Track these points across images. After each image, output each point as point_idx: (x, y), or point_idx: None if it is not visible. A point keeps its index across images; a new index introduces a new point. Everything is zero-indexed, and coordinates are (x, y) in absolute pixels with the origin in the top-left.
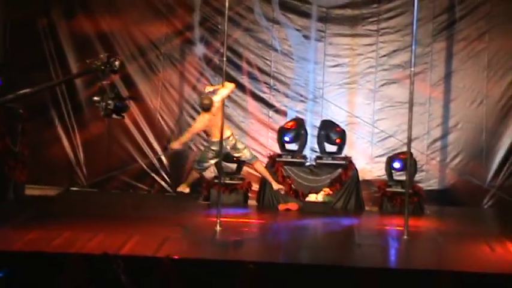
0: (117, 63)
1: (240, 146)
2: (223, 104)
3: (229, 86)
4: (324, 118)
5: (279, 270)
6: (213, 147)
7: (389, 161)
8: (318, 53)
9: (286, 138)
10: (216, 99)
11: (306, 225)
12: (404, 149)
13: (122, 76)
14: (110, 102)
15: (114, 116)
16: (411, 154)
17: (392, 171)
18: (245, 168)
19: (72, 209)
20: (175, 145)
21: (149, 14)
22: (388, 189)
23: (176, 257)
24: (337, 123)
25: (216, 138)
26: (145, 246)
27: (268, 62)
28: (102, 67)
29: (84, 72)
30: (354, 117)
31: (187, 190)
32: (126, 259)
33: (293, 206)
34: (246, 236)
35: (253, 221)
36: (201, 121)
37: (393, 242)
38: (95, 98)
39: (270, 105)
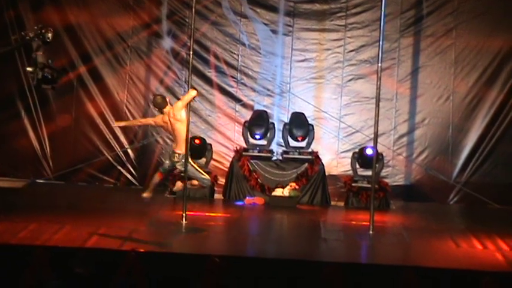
0: (49, 34)
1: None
2: (187, 114)
3: (191, 93)
4: (295, 111)
5: (244, 264)
6: (173, 158)
7: (358, 155)
8: (286, 48)
9: (257, 136)
10: (178, 105)
11: (272, 219)
12: (371, 144)
13: (88, 68)
14: (45, 75)
15: (44, 85)
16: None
17: (357, 163)
18: (212, 163)
19: (38, 201)
20: (119, 123)
21: (117, 6)
22: (354, 184)
23: (142, 251)
24: (306, 117)
25: (178, 149)
26: (111, 239)
27: (235, 56)
28: (36, 38)
29: (19, 43)
30: (321, 112)
31: (149, 196)
32: (92, 252)
33: (259, 200)
34: (212, 229)
35: (220, 214)
36: (154, 117)
37: (359, 237)
38: (29, 69)
39: (237, 99)
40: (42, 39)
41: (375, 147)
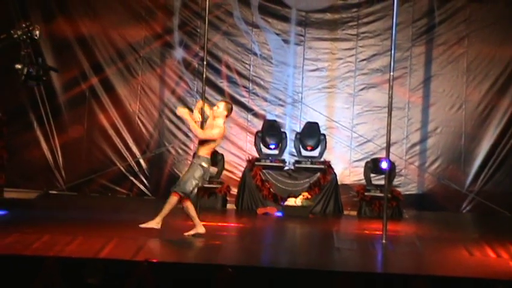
0: (37, 32)
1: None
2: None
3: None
4: (309, 120)
5: (257, 274)
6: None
7: (371, 165)
8: (297, 57)
9: (272, 146)
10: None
11: (284, 229)
12: (383, 153)
13: (100, 79)
14: (30, 70)
15: (30, 82)
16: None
17: (372, 175)
18: (224, 173)
19: (51, 212)
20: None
21: (128, 17)
22: (366, 194)
23: (155, 261)
24: (319, 127)
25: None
26: (123, 250)
27: (247, 66)
28: (24, 36)
29: (6, 41)
30: (333, 122)
31: (159, 226)
32: (104, 263)
33: (272, 210)
34: (225, 239)
35: (232, 224)
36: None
37: (372, 246)
38: (17, 66)
39: (248, 109)
40: (29, 37)
41: (389, 160)
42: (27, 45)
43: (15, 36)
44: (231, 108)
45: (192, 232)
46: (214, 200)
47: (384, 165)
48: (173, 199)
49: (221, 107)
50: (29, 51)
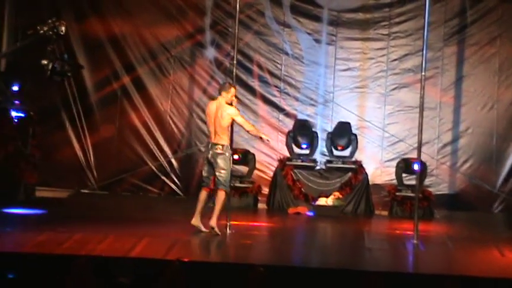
0: (63, 28)
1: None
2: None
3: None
4: (341, 120)
5: (289, 274)
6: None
7: (403, 165)
8: (329, 57)
9: (304, 146)
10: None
11: (315, 229)
12: (415, 153)
13: (132, 78)
14: (55, 66)
15: (55, 77)
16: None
17: (403, 175)
18: (255, 172)
19: (83, 211)
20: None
21: (160, 16)
22: (398, 194)
23: (186, 260)
24: (350, 126)
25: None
26: (155, 248)
27: (278, 65)
28: (50, 32)
29: (33, 37)
30: (364, 121)
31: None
32: (136, 262)
33: (303, 209)
34: (256, 239)
35: (263, 224)
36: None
37: (403, 246)
38: (43, 62)
39: (280, 109)
40: (55, 33)
41: (420, 162)
42: (53, 41)
43: (42, 32)
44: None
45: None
46: (245, 200)
47: (416, 167)
48: (222, 196)
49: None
50: (55, 47)
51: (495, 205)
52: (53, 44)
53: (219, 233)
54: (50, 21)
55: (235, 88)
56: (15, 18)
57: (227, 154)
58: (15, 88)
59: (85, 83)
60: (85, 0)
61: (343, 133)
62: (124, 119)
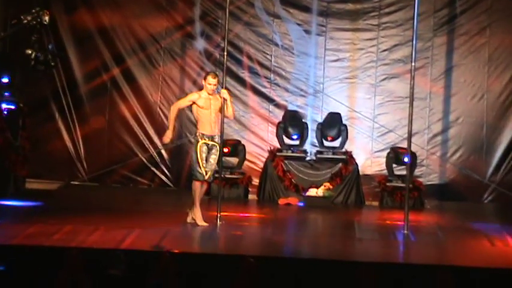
0: (46, 17)
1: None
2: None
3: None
4: (331, 111)
5: (279, 265)
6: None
7: (393, 155)
8: (319, 48)
9: (294, 137)
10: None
11: (306, 220)
12: (405, 143)
13: (121, 70)
14: (38, 55)
15: (39, 67)
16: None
17: (394, 165)
18: (246, 163)
19: (73, 203)
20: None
21: (150, 8)
22: (388, 184)
23: (176, 251)
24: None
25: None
26: (146, 240)
27: (268, 56)
28: (34, 22)
29: (17, 27)
30: (354, 112)
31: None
32: (127, 253)
33: (293, 200)
34: (247, 230)
35: (254, 215)
36: (182, 101)
37: (393, 236)
38: (27, 51)
39: (270, 100)
40: (39, 22)
41: (409, 154)
42: (37, 30)
43: (25, 21)
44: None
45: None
46: (236, 191)
47: (406, 159)
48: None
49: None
50: (38, 37)
51: (485, 195)
52: (37, 33)
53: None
54: (33, 10)
55: (212, 76)
56: (4, 8)
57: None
58: (5, 80)
59: (75, 74)
60: None
61: (333, 124)
62: (114, 110)
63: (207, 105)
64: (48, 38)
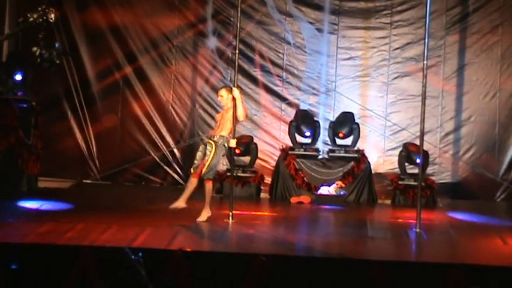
0: (52, 15)
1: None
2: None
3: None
4: (344, 110)
5: (291, 263)
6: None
7: (405, 154)
8: (331, 46)
9: (307, 134)
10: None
11: (318, 218)
12: (417, 141)
13: (133, 68)
14: (43, 52)
15: (44, 64)
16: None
17: (406, 164)
18: (258, 162)
19: (85, 201)
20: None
21: (162, 6)
22: (400, 182)
23: (189, 250)
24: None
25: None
26: (157, 238)
27: (280, 55)
28: (40, 19)
29: (23, 24)
30: (367, 111)
31: (183, 205)
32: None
33: (305, 199)
34: (259, 228)
35: (266, 213)
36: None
37: (406, 235)
38: (34, 49)
39: (282, 98)
40: (45, 20)
41: (421, 156)
42: (43, 28)
43: (31, 19)
44: (230, 88)
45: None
46: (248, 189)
47: (418, 160)
48: (210, 186)
49: (224, 95)
50: (45, 35)
51: (498, 194)
52: (43, 31)
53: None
54: (40, 8)
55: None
56: (16, 5)
57: (222, 144)
58: (18, 77)
59: (87, 73)
60: None
61: (345, 122)
62: (126, 109)
63: (220, 114)
64: (58, 35)
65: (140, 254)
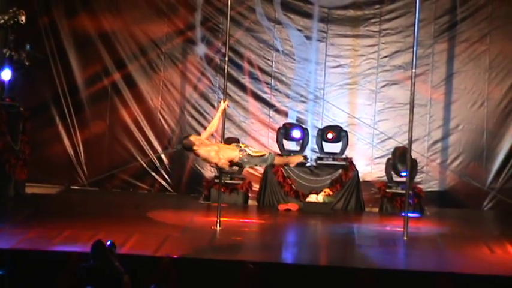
0: (23, 17)
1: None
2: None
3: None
4: (326, 120)
5: (278, 270)
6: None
7: (392, 163)
8: (319, 54)
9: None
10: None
11: (306, 226)
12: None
13: (122, 75)
14: (12, 54)
15: (15, 65)
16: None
17: (394, 174)
18: (245, 169)
19: (73, 207)
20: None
21: (151, 13)
22: (388, 190)
23: (176, 257)
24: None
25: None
26: (145, 245)
27: (269, 62)
28: (11, 21)
29: None
30: (355, 118)
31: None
32: (127, 258)
33: (293, 206)
34: (246, 236)
35: (253, 221)
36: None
37: (393, 243)
38: (4, 50)
39: (270, 106)
40: (16, 22)
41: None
42: (14, 30)
43: (2, 21)
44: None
45: None
46: (235, 196)
47: (404, 173)
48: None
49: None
50: (16, 36)
51: (485, 202)
52: (14, 33)
53: None
54: (10, 10)
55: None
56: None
57: None
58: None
59: (75, 78)
60: None
61: (334, 129)
62: (114, 115)
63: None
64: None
65: (109, 242)
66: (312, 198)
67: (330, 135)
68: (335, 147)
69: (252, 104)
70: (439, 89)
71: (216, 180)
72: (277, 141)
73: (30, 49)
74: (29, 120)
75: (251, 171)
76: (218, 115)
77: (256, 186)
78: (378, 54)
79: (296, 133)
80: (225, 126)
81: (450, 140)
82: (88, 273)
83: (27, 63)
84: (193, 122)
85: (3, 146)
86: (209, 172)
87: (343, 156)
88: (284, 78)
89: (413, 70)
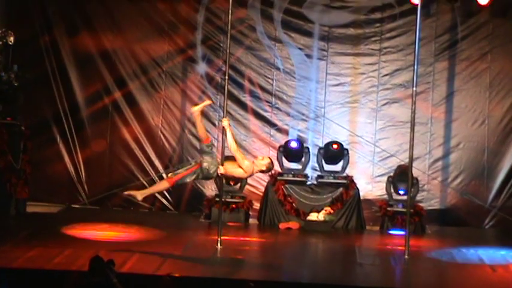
0: (11, 38)
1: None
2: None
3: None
4: (327, 138)
5: None
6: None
7: (391, 181)
8: (320, 72)
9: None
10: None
11: (306, 244)
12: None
13: (123, 93)
14: (1, 75)
15: (1, 86)
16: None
17: (393, 192)
18: (246, 187)
19: (73, 226)
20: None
21: (151, 32)
22: (389, 209)
23: (177, 275)
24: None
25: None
26: (146, 264)
27: (270, 80)
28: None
29: None
30: (356, 137)
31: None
32: (127, 277)
33: (294, 225)
34: (247, 254)
35: (254, 239)
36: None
37: (394, 261)
38: None
39: (271, 124)
40: (4, 43)
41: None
42: (2, 51)
43: None
44: (270, 169)
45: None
46: (236, 215)
47: (401, 191)
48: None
49: (264, 161)
50: (4, 57)
51: (486, 220)
52: (1, 54)
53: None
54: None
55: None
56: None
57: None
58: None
59: (76, 97)
60: (77, 14)
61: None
62: (115, 134)
63: None
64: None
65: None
66: (313, 216)
67: (335, 146)
68: (336, 166)
69: (253, 123)
70: (439, 107)
71: (217, 199)
72: (277, 160)
73: (18, 70)
74: (30, 139)
75: (252, 189)
76: (229, 135)
77: (257, 205)
78: (378, 72)
79: (293, 143)
80: (227, 145)
81: (451, 158)
82: None
83: (16, 84)
84: (193, 140)
85: (4, 165)
86: (210, 191)
87: (344, 174)
88: (285, 97)
89: (414, 88)
